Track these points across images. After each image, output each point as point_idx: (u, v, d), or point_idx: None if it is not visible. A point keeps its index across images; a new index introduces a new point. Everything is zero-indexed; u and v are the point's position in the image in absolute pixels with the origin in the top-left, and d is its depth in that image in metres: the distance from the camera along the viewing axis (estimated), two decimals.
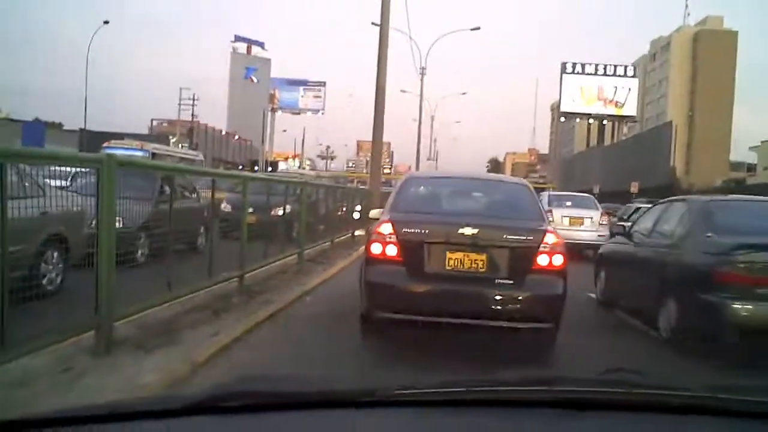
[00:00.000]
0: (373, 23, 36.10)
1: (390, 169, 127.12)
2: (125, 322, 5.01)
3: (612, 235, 9.19)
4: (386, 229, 5.37)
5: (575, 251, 10.46)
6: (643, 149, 45.68)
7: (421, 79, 40.31)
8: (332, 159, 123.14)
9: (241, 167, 55.13)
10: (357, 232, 16.72)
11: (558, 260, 5.27)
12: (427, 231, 5.36)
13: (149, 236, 6.79)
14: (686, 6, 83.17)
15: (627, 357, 5.69)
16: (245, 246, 7.85)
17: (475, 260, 5.25)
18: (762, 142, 59.34)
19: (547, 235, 5.33)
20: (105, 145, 22.13)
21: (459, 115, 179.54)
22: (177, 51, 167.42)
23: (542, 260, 5.24)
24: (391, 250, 5.30)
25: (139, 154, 21.27)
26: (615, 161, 50.96)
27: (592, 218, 14.90)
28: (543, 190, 39.27)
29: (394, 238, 5.31)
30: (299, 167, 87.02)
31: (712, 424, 1.43)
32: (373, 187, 18.89)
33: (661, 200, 8.46)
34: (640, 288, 7.21)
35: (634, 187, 35.90)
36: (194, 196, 10.81)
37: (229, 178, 11.81)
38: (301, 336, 6.15)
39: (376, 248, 5.36)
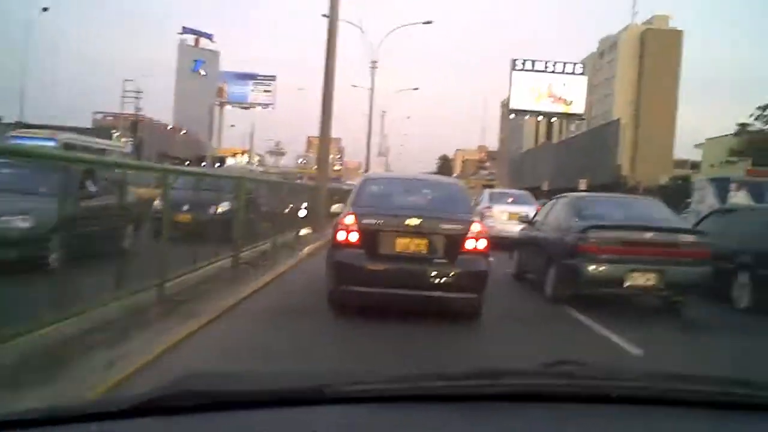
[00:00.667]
0: (323, 15, 35.97)
1: (340, 166, 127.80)
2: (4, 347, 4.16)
3: (522, 224, 11.70)
4: (349, 220, 6.84)
5: (513, 242, 12.08)
6: (591, 146, 46.10)
7: (372, 73, 39.92)
8: (282, 155, 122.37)
9: (187, 163, 53.84)
10: (303, 231, 15.80)
11: (482, 244, 6.86)
12: (381, 222, 6.88)
13: (66, 237, 5.65)
14: (634, 4, 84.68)
15: (524, 308, 8.89)
16: (169, 249, 6.83)
17: (418, 244, 6.82)
18: (707, 139, 61.09)
19: (473, 224, 6.93)
20: (12, 134, 21.07)
21: (411, 111, 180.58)
22: (124, 42, 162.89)
23: (469, 244, 6.80)
24: (353, 237, 6.77)
25: (50, 144, 19.40)
26: (565, 158, 51.36)
27: (527, 213, 15.30)
28: (492, 187, 39.97)
29: (355, 227, 6.78)
30: (248, 163, 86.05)
31: (654, 413, 1.48)
32: (321, 183, 18.29)
33: (555, 197, 11.31)
34: (536, 261, 9.92)
35: (583, 184, 36.26)
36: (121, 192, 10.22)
37: (146, 171, 10.63)
38: (231, 357, 5.20)
39: (341, 235, 6.84)
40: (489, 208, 17.10)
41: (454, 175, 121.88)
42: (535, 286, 9.84)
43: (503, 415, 1.44)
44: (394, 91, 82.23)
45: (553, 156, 55.18)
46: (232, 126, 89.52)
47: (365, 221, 6.85)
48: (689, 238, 8.68)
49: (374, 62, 38.63)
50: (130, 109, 61.94)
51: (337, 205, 9.19)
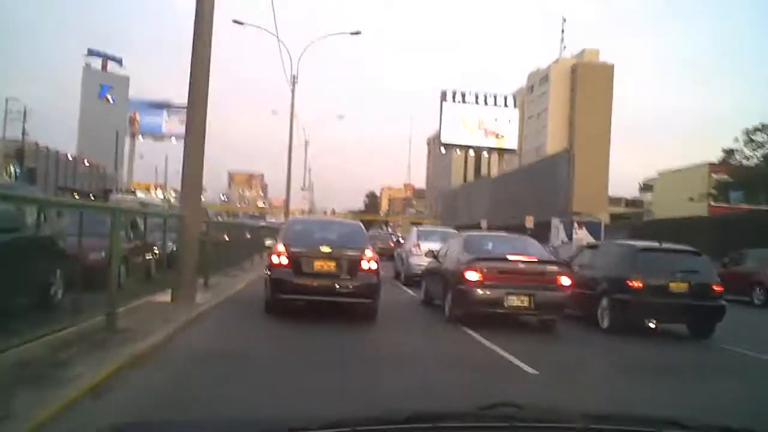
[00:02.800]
0: (234, 21, 35.31)
1: (263, 203, 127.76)
2: None
3: (431, 257, 14.40)
4: (281, 248, 10.70)
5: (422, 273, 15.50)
6: (536, 181, 46.56)
7: (293, 90, 38.39)
8: (202, 192, 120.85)
9: (92, 197, 53.01)
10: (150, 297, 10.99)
11: (374, 265, 10.79)
12: (303, 250, 10.71)
13: None
14: (562, 39, 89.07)
15: (430, 325, 11.64)
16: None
17: (330, 265, 10.61)
18: (660, 173, 63.73)
19: (366, 251, 10.90)
20: None
21: (336, 145, 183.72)
22: (22, 63, 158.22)
23: (365, 265, 10.69)
24: (284, 260, 10.55)
25: None
26: (504, 194, 52.64)
27: (434, 250, 17.77)
28: (420, 224, 40.90)
29: (285, 253, 10.58)
30: (163, 199, 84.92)
31: None
32: (190, 220, 11.52)
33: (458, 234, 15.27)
34: (438, 288, 12.73)
35: (529, 222, 35.84)
36: None
37: None
38: None
39: (275, 259, 10.70)
40: (417, 245, 18.93)
41: (381, 213, 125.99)
42: (439, 309, 12.50)
43: None
44: (317, 121, 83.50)
45: (490, 192, 57.18)
46: (141, 157, 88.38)
47: (292, 249, 10.66)
48: (554, 267, 11.45)
49: (294, 77, 37.49)
50: (15, 133, 58.90)
51: (270, 240, 13.77)
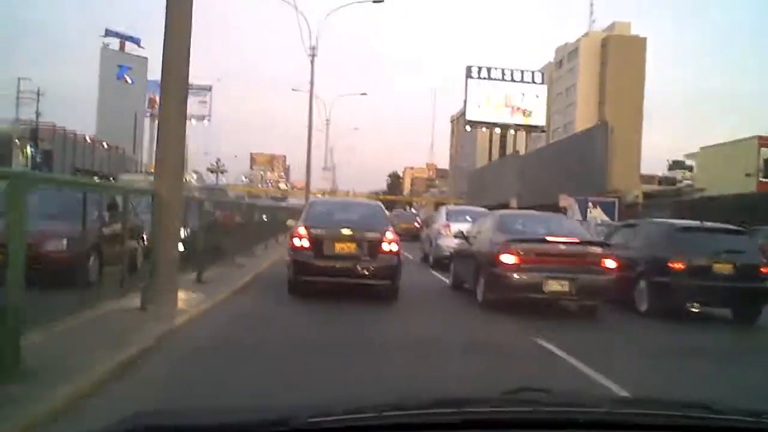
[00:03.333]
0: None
1: (286, 185, 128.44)
2: None
3: (461, 238, 13.50)
4: (302, 231, 10.84)
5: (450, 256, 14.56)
6: (570, 157, 43.88)
7: (312, 62, 36.79)
8: (223, 173, 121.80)
9: (111, 179, 53.18)
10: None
11: (394, 247, 10.86)
12: (324, 231, 10.83)
13: None
14: (591, 12, 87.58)
15: (459, 311, 11.27)
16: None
17: (350, 247, 10.74)
18: (701, 148, 62.29)
19: (387, 233, 10.94)
20: None
21: (358, 121, 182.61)
22: (40, 45, 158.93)
23: (385, 247, 10.76)
24: (305, 243, 10.69)
25: None
26: (534, 172, 50.36)
27: (463, 230, 16.74)
28: (444, 204, 40.06)
29: (306, 236, 10.71)
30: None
31: None
32: (168, 198, 9.12)
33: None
34: (469, 272, 12.07)
35: (565, 201, 33.87)
36: None
37: None
38: None
39: (296, 242, 10.83)
40: (447, 226, 18.12)
41: (405, 193, 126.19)
42: (469, 294, 11.99)
43: None
44: (339, 99, 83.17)
45: (519, 170, 54.99)
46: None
47: (313, 231, 10.82)
48: (598, 249, 10.84)
49: (313, 48, 36.23)
50: (28, 114, 58.67)
51: (291, 220, 13.63)
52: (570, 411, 1.76)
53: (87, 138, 66.23)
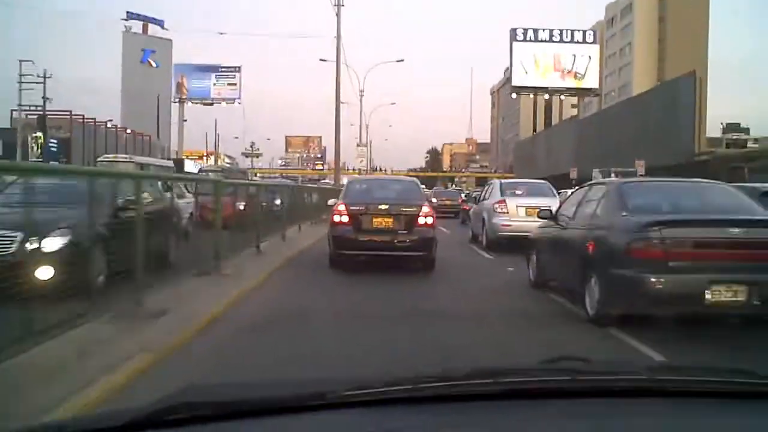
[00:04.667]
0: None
1: (322, 165, 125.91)
2: None
3: (547, 218, 10.15)
4: (342, 207, 11.55)
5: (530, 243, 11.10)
6: (646, 117, 37.81)
7: (338, 13, 34.61)
8: (258, 156, 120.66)
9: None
10: None
11: (429, 220, 11.40)
12: (362, 207, 11.54)
13: None
14: None
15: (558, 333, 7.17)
16: None
17: (388, 221, 11.37)
18: None
19: (423, 207, 11.51)
20: None
21: (394, 95, 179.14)
22: (60, 31, 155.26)
23: (421, 220, 11.32)
24: (344, 218, 11.40)
25: None
26: (599, 137, 44.87)
27: (550, 207, 14.00)
28: (486, 180, 35.89)
29: (345, 212, 11.44)
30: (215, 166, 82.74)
31: (656, 404, 1.62)
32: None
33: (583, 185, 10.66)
34: (566, 268, 8.67)
35: (640, 167, 29.31)
36: None
37: None
38: None
39: (336, 218, 11.51)
40: (502, 202, 16.04)
41: (445, 169, 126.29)
42: (564, 297, 8.94)
43: (507, 413, 1.57)
44: (374, 66, 79.55)
45: (578, 136, 49.39)
46: (185, 121, 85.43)
47: (352, 207, 11.43)
48: None
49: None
50: (34, 99, 54.65)
51: (332, 200, 13.37)
52: (609, 379, 1.76)
53: (108, 124, 63.20)
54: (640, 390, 1.68)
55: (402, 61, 48.74)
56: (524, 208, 15.31)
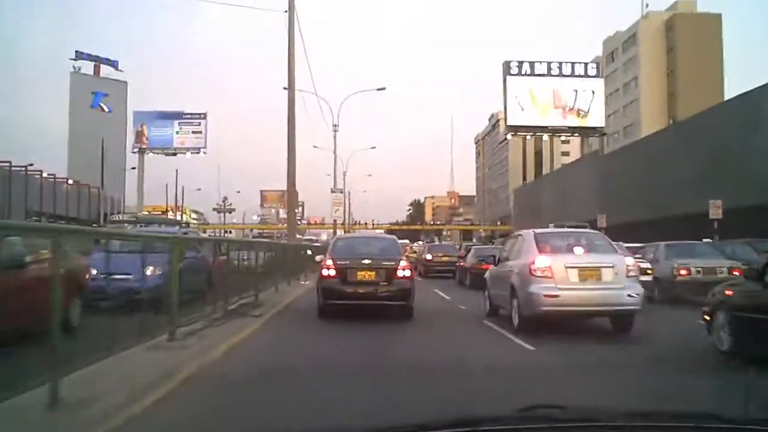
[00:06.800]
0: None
1: (300, 220, 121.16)
2: None
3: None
4: (329, 262, 13.16)
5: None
6: (710, 143, 30.10)
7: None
8: (230, 212, 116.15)
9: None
10: None
11: (407, 273, 13.09)
12: (348, 262, 13.12)
13: None
14: None
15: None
16: None
17: (371, 274, 13.00)
18: None
19: (401, 262, 13.20)
20: None
21: (373, 168, 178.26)
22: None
23: (399, 273, 12.95)
24: (332, 272, 12.99)
25: None
26: (633, 175, 37.27)
27: (613, 266, 11.21)
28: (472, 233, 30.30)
29: (333, 266, 13.03)
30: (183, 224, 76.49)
31: None
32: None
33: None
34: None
35: (716, 210, 23.43)
36: None
37: None
38: None
39: (325, 272, 13.13)
40: (543, 261, 11.32)
41: (428, 222, 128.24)
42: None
43: None
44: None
45: (602, 175, 43.00)
46: (133, 168, 79.11)
47: (338, 262, 13.04)
48: None
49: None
50: None
51: (318, 256, 17.54)
52: (584, 426, 1.84)
53: (43, 174, 56.35)
54: None
55: (384, 89, 42.69)
56: (576, 270, 11.00)
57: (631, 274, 11.19)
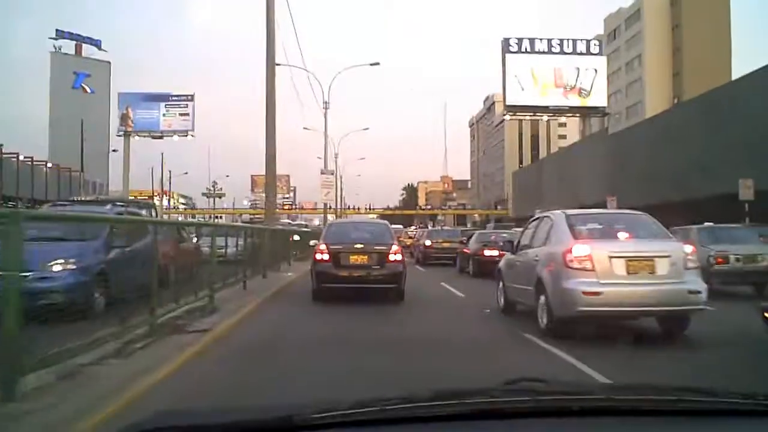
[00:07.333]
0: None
1: (292, 205, 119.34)
2: None
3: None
4: (323, 246, 13.51)
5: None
6: (741, 116, 27.61)
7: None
8: (220, 197, 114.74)
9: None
10: None
11: (398, 257, 13.50)
12: (341, 246, 13.53)
13: None
14: None
15: None
16: None
17: (363, 258, 13.38)
18: None
19: (393, 246, 13.65)
20: None
21: (365, 152, 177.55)
22: None
23: (391, 257, 13.37)
24: (326, 256, 13.37)
25: None
26: (653, 153, 34.50)
27: (670, 256, 8.98)
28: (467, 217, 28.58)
29: (326, 250, 13.40)
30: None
31: (609, 423, 1.76)
32: None
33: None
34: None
35: (746, 190, 21.16)
36: None
37: None
38: None
39: (319, 256, 13.48)
40: (582, 249, 9.05)
41: (419, 207, 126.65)
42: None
43: None
44: (344, 134, 75.75)
45: (611, 155, 40.35)
46: (114, 151, 76.55)
47: (332, 246, 13.44)
48: None
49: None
50: None
51: (313, 241, 18.37)
52: (567, 399, 1.85)
53: (20, 157, 53.89)
54: (596, 409, 1.78)
55: (377, 64, 40.29)
56: (624, 260, 8.81)
57: (691, 265, 9.07)
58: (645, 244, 9.31)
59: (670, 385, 2.03)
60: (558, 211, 10.73)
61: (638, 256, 8.92)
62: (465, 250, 22.13)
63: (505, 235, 21.13)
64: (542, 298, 9.52)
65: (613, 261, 8.78)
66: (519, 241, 11.78)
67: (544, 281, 9.50)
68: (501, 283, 12.19)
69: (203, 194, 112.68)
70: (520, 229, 25.25)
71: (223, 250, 14.27)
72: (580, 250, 8.92)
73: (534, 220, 11.71)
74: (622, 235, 9.43)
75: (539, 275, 9.71)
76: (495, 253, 19.20)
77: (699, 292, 8.75)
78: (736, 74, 60.62)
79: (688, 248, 9.30)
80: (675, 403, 1.82)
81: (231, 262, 14.98)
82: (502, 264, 12.48)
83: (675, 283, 8.73)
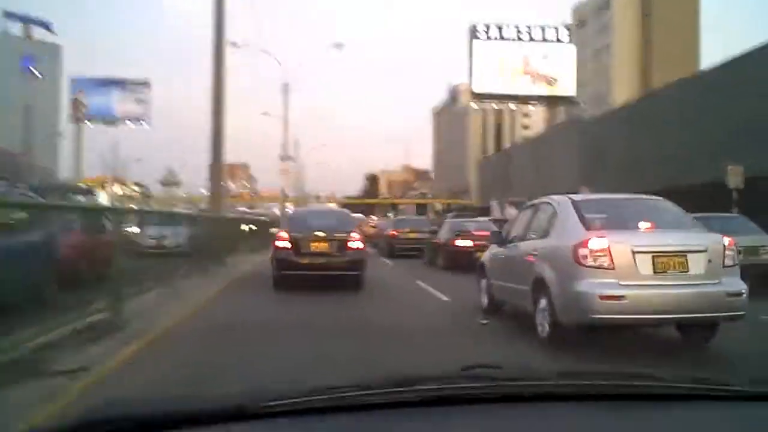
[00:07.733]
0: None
1: (252, 193, 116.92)
2: None
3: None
4: (284, 234, 13.62)
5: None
6: (726, 100, 25.40)
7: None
8: (177, 185, 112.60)
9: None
10: None
11: (359, 244, 13.64)
12: (302, 233, 13.59)
13: None
14: None
15: None
16: None
17: (323, 245, 13.50)
18: None
19: (352, 234, 13.70)
20: None
21: (328, 139, 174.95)
22: None
23: (351, 244, 13.51)
24: (286, 243, 13.40)
25: None
26: (622, 142, 33.04)
27: (706, 251, 7.38)
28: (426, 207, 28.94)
29: (287, 237, 13.49)
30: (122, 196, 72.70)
31: (559, 408, 1.76)
32: None
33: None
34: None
35: (735, 177, 19.81)
36: None
37: None
38: None
39: (279, 243, 13.52)
40: (601, 246, 7.29)
41: (381, 197, 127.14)
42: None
43: (423, 421, 1.64)
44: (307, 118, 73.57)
45: (584, 144, 38.14)
46: (59, 135, 73.92)
47: (293, 233, 13.53)
48: None
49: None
50: None
51: (274, 228, 18.42)
52: (519, 385, 1.85)
53: None
54: (547, 395, 1.79)
55: (341, 45, 38.64)
56: (650, 257, 7.13)
57: (730, 262, 7.43)
58: (675, 236, 7.65)
59: (623, 371, 2.09)
60: (561, 197, 8.86)
61: (668, 251, 7.24)
62: (436, 241, 20.38)
63: (486, 221, 19.76)
64: (543, 302, 7.85)
65: (638, 257, 7.11)
66: (509, 232, 10.06)
67: (546, 281, 7.81)
68: (484, 281, 10.46)
69: (160, 182, 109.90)
70: (485, 219, 24.16)
71: (153, 242, 12.48)
72: (596, 243, 7.20)
73: (530, 206, 9.93)
74: (643, 225, 7.71)
75: (539, 274, 7.99)
76: (469, 243, 18.09)
77: (740, 295, 7.17)
78: (704, 64, 60.41)
79: (726, 240, 7.59)
80: (624, 388, 1.85)
81: (161, 255, 13.38)
82: (486, 258, 10.71)
83: (712, 285, 7.15)
